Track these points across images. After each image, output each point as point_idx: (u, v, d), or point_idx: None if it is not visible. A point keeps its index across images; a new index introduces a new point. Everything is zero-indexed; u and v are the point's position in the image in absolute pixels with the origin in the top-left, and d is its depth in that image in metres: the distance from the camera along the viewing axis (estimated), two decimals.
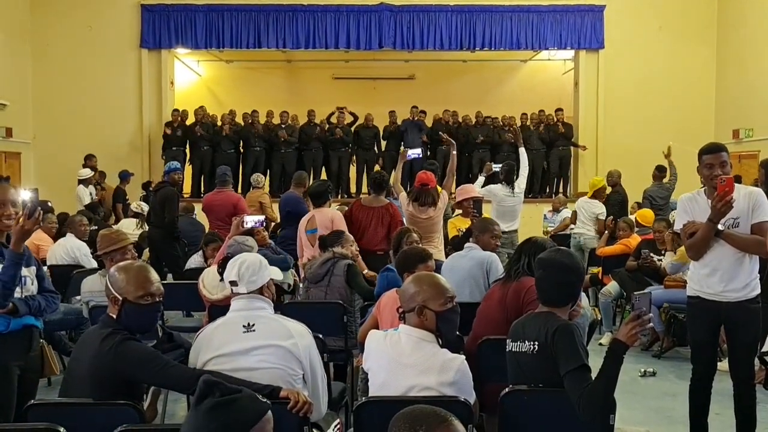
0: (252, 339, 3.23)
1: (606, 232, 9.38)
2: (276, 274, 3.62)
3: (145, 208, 10.40)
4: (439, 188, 7.52)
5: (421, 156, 8.78)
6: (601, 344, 7.71)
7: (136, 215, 10.71)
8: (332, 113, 15.57)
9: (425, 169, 7.75)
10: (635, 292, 3.01)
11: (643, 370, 6.84)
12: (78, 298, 6.08)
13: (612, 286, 8.17)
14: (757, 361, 4.26)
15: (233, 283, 3.41)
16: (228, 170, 9.34)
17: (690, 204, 4.48)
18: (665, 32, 15.96)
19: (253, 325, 3.27)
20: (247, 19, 15.91)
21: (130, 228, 10.01)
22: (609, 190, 10.68)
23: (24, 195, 3.66)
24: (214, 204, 8.89)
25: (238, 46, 16.12)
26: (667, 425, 5.35)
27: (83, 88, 15.67)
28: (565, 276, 3.27)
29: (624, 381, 6.56)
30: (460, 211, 8.09)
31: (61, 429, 2.75)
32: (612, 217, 9.51)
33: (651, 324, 2.93)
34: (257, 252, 5.63)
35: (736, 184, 4.48)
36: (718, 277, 4.36)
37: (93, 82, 15.72)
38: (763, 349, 4.04)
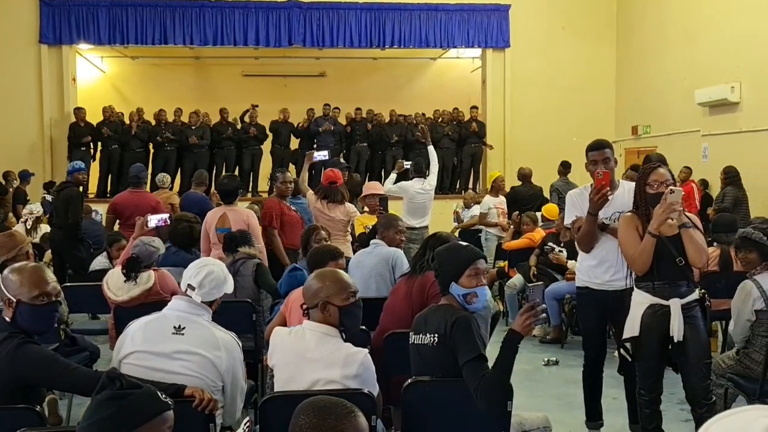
0: (178, 342, 3.22)
1: (511, 227, 9.63)
2: (228, 288, 3.60)
3: (37, 211, 10.07)
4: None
5: (327, 157, 8.82)
6: (534, 335, 7.94)
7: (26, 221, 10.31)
8: (246, 111, 15.43)
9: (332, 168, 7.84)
10: (529, 284, 3.15)
11: (546, 359, 7.07)
12: None
13: (517, 279, 8.39)
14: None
15: (191, 287, 3.38)
16: (143, 169, 9.04)
17: (578, 199, 4.67)
18: (568, 32, 16.44)
19: (184, 328, 3.25)
20: (153, 14, 15.61)
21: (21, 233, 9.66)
22: (519, 184, 11.04)
23: None
24: (128, 205, 8.38)
25: (144, 42, 15.80)
26: (567, 410, 5.55)
27: None
28: None
29: (528, 370, 6.85)
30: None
31: None
32: (517, 212, 9.79)
33: (544, 315, 3.07)
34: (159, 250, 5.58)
35: (622, 181, 4.73)
36: (604, 268, 4.56)
37: None
38: (624, 336, 4.24)
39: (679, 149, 13.12)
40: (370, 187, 7.82)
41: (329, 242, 5.72)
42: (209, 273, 3.42)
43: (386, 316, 4.38)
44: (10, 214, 11.15)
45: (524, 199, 10.80)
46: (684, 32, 13.76)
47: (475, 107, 16.05)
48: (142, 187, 8.75)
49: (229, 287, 3.56)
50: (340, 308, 3.18)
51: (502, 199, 10.46)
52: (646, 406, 4.26)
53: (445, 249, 3.50)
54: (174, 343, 3.22)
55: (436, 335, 3.25)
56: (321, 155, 8.49)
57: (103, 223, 9.42)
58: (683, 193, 4.03)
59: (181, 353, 3.19)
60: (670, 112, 14.22)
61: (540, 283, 3.89)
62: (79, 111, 14.95)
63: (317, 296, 3.20)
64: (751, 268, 4.81)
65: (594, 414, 4.92)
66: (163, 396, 2.12)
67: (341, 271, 3.35)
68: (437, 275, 3.44)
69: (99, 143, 15.02)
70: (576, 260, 5.26)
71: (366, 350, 3.19)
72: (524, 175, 11.24)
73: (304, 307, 3.27)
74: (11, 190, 13.01)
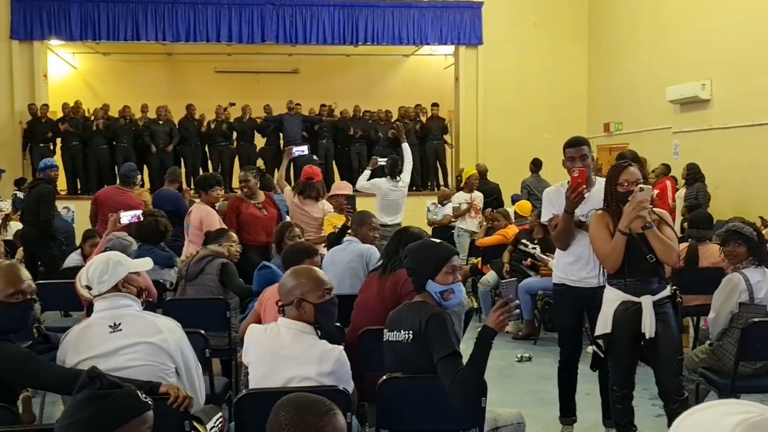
0: (119, 338, 3.19)
1: (485, 223, 9.70)
2: (143, 264, 3.60)
3: (6, 208, 9.97)
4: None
5: (306, 153, 8.84)
6: (507, 331, 7.99)
7: None
8: (225, 108, 15.42)
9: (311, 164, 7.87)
10: (502, 281, 3.19)
11: (519, 355, 7.12)
12: None
13: (491, 276, 8.44)
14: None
15: (88, 288, 3.36)
16: (134, 168, 8.95)
17: (555, 196, 4.70)
18: (540, 29, 16.54)
19: (120, 324, 3.22)
20: (125, 10, 15.48)
21: None
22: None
23: None
24: (110, 201, 8.13)
25: (115, 38, 15.66)
26: (540, 406, 5.60)
27: None
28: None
29: (501, 366, 6.90)
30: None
31: None
32: (490, 209, 9.86)
33: (518, 311, 3.11)
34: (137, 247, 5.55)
35: (598, 178, 4.77)
36: (580, 265, 4.61)
37: None
38: (596, 333, 4.29)
39: (651, 146, 13.26)
40: (338, 187, 7.84)
41: (303, 239, 5.75)
42: (90, 265, 3.41)
43: (358, 312, 4.38)
44: None
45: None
46: (655, 29, 13.89)
47: (435, 104, 16.08)
48: (130, 187, 8.64)
49: (141, 263, 3.56)
50: (316, 305, 3.19)
51: (476, 194, 10.52)
52: (619, 402, 4.31)
53: (419, 247, 3.52)
54: (115, 341, 3.18)
55: (411, 332, 3.27)
56: (300, 150, 8.50)
57: (74, 219, 9.35)
58: (652, 191, 4.08)
59: (124, 348, 3.16)
60: (642, 109, 14.36)
61: (513, 279, 3.92)
62: (35, 107, 14.75)
63: (292, 293, 3.20)
64: (737, 262, 4.88)
65: (568, 410, 4.96)
66: (144, 396, 2.12)
67: (316, 269, 3.36)
68: (411, 273, 3.45)
69: (58, 139, 14.85)
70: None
71: (341, 347, 3.21)
72: (481, 172, 11.39)
73: (279, 304, 3.27)
74: None
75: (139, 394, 2.10)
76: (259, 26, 15.88)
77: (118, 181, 9.24)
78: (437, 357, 3.15)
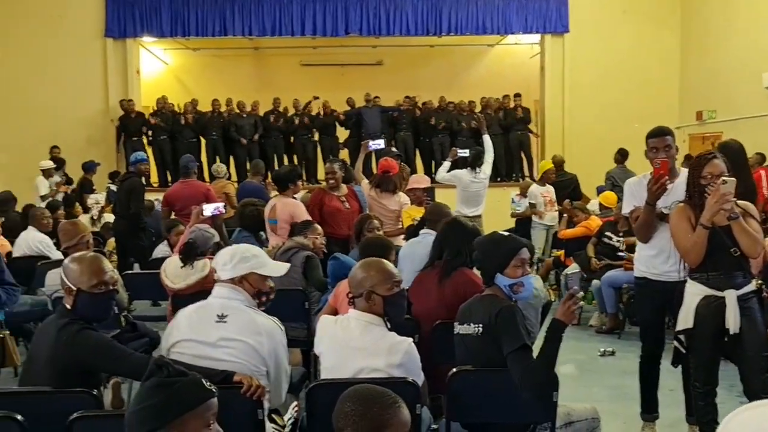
0: (222, 330, 3.27)
1: (564, 215, 9.53)
2: (274, 269, 3.57)
3: (101, 201, 10.37)
4: None
5: (382, 146, 8.87)
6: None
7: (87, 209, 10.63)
8: (308, 102, 15.67)
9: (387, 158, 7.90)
10: (566, 272, 3.14)
11: (602, 349, 6.98)
12: (44, 289, 6.10)
13: (574, 268, 8.31)
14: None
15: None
16: (192, 159, 9.12)
17: (636, 187, 4.59)
18: (629, 16, 16.09)
19: (227, 316, 3.30)
20: (213, 6, 15.83)
21: (86, 223, 9.98)
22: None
23: None
24: (180, 196, 8.40)
25: (204, 34, 16.04)
26: (622, 402, 5.50)
27: (48, 79, 15.48)
28: None
29: (583, 360, 6.80)
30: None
31: (18, 417, 2.81)
32: (568, 200, 9.69)
33: (582, 303, 3.06)
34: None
35: (682, 169, 4.62)
36: (662, 258, 4.49)
37: (57, 72, 15.53)
38: (677, 328, 4.16)
39: (746, 134, 12.68)
40: (416, 180, 7.83)
41: (381, 231, 5.78)
42: (233, 252, 3.45)
43: (421, 318, 4.34)
44: (77, 204, 11.49)
45: (557, 187, 10.73)
46: (750, 13, 13.34)
47: (518, 95, 15.84)
48: (192, 177, 8.76)
49: (277, 268, 3.57)
50: (385, 298, 3.22)
51: (549, 188, 10.36)
52: (701, 399, 4.18)
53: (487, 240, 3.50)
54: (218, 331, 3.27)
55: (481, 325, 3.26)
56: (376, 144, 8.54)
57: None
58: (736, 183, 3.93)
59: (224, 341, 3.25)
60: (736, 96, 13.81)
61: (577, 270, 3.85)
62: (129, 102, 15.25)
63: (362, 285, 3.24)
64: None
65: (650, 406, 4.86)
66: (208, 384, 2.17)
67: (386, 261, 3.38)
68: (480, 266, 3.44)
69: (149, 132, 15.33)
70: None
71: (410, 339, 3.22)
72: (557, 163, 11.17)
73: (350, 296, 3.31)
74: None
75: (204, 382, 2.15)
76: (343, 19, 15.99)
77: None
78: (507, 350, 3.14)
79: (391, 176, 7.38)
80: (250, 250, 3.50)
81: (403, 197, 7.43)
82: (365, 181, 7.62)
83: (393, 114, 15.64)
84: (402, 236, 6.84)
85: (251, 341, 3.27)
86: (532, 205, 10.31)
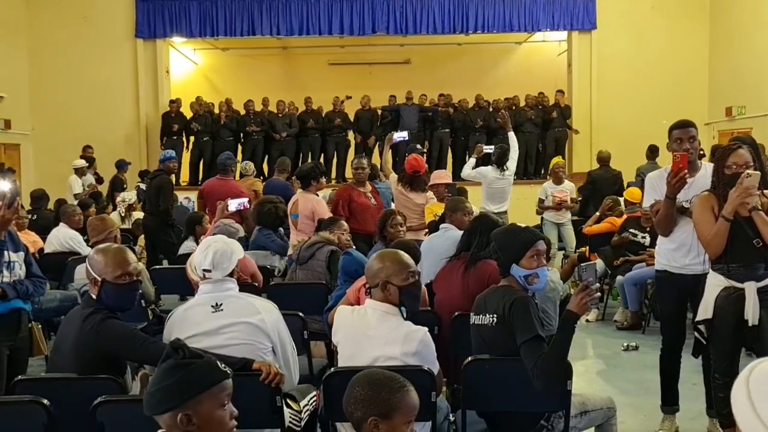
0: (221, 318, 3.39)
1: (597, 213, 9.47)
2: (241, 252, 3.74)
3: (129, 199, 10.54)
4: None
5: (406, 138, 8.91)
6: (588, 321, 7.88)
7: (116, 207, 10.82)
8: (342, 101, 15.79)
9: (412, 153, 7.94)
10: (581, 264, 3.17)
11: (625, 344, 6.99)
12: (73, 284, 6.23)
13: (599, 264, 8.30)
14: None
15: (207, 271, 3.54)
16: (230, 157, 9.17)
17: (657, 181, 4.59)
18: (657, 12, 15.98)
19: (221, 304, 3.43)
20: (241, 6, 16.02)
21: (116, 220, 10.15)
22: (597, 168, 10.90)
23: (3, 186, 3.81)
24: (215, 192, 8.41)
25: (233, 34, 16.26)
26: (643, 395, 5.51)
27: (80, 79, 15.80)
28: None
29: (607, 355, 6.81)
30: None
31: (45, 401, 2.91)
32: (615, 196, 9.62)
33: (598, 294, 3.08)
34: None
35: (704, 163, 4.62)
36: (683, 252, 4.49)
37: (89, 72, 15.84)
38: (697, 319, 4.16)
39: None
40: (437, 176, 7.86)
41: (405, 227, 5.84)
42: (215, 252, 3.54)
43: (443, 308, 4.41)
44: (106, 201, 11.70)
45: (603, 183, 10.64)
46: None
47: (560, 91, 15.81)
48: (230, 175, 8.87)
49: (239, 253, 3.67)
50: (400, 288, 3.27)
51: (564, 185, 10.23)
52: (721, 390, 4.18)
53: (504, 232, 3.54)
54: (216, 320, 3.39)
55: (495, 316, 3.31)
56: (401, 136, 8.57)
57: (195, 209, 9.75)
58: (760, 176, 3.92)
59: (225, 327, 3.36)
60: (766, 91, 13.66)
61: (593, 262, 3.87)
62: (172, 103, 15.62)
63: (378, 276, 3.30)
64: None
65: (670, 399, 4.86)
66: (223, 366, 2.23)
67: (402, 252, 3.43)
68: (496, 257, 3.48)
69: (191, 136, 15.59)
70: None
71: (425, 329, 3.27)
72: (602, 159, 11.07)
73: (367, 286, 3.37)
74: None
75: (219, 364, 2.21)
76: (370, 18, 16.07)
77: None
78: (520, 341, 3.18)
79: (421, 175, 7.45)
80: (228, 245, 3.63)
81: (429, 193, 7.49)
82: (394, 175, 7.67)
83: (429, 114, 15.65)
84: (424, 231, 6.89)
85: (252, 320, 3.39)
86: (540, 201, 10.26)
